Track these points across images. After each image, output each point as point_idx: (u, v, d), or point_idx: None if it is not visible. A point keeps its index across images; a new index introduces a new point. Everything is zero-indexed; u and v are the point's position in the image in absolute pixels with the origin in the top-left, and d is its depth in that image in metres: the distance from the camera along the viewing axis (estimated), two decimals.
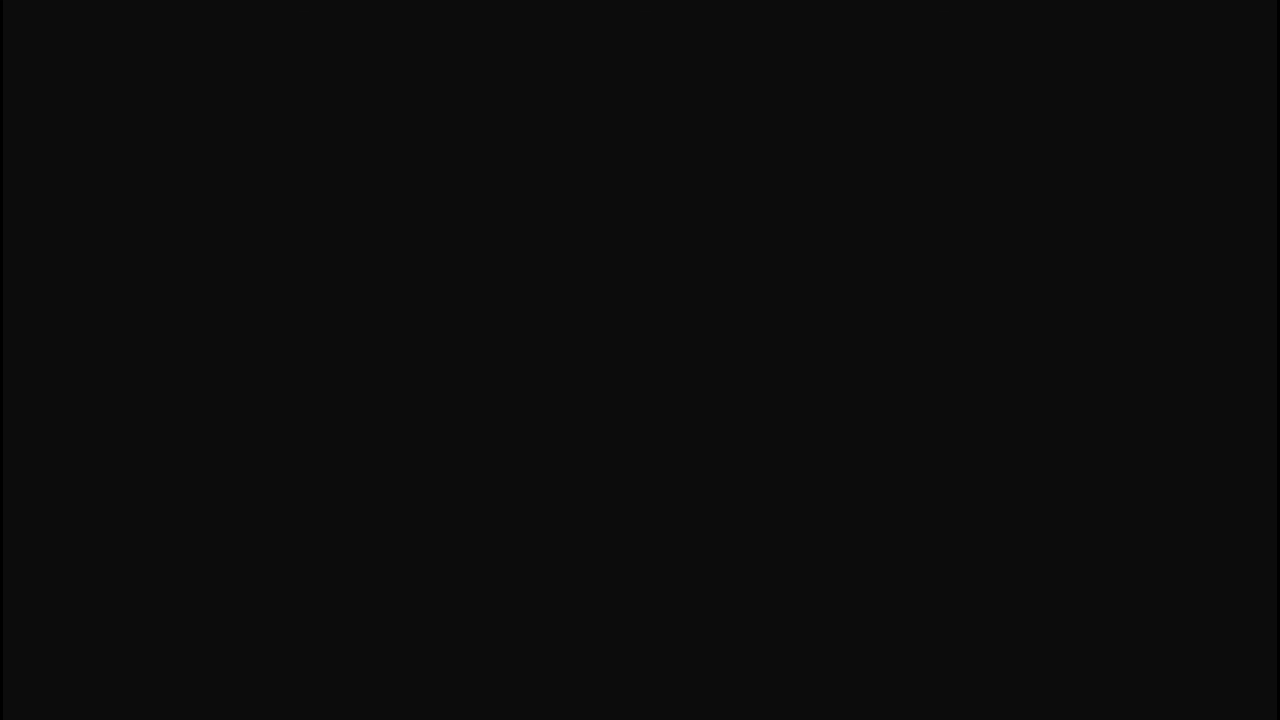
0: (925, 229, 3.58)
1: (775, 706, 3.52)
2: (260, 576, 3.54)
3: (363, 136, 3.60)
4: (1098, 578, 3.52)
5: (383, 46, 3.61)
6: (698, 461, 3.56)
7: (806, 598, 3.53)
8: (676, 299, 3.58)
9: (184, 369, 3.57)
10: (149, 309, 3.58)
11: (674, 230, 3.59)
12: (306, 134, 3.60)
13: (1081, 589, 3.52)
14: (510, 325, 3.58)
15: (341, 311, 3.58)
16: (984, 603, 3.52)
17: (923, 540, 3.53)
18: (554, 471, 3.56)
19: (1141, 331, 3.56)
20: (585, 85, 3.61)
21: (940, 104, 3.58)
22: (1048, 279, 3.57)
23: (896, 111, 3.59)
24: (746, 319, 3.57)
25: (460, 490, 3.56)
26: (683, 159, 3.60)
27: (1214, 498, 3.52)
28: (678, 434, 3.57)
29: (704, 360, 3.57)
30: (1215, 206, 3.56)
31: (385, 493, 3.56)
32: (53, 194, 3.60)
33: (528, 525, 3.56)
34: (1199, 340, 3.55)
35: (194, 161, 3.60)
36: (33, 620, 3.54)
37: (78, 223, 3.59)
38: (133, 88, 3.60)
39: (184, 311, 3.58)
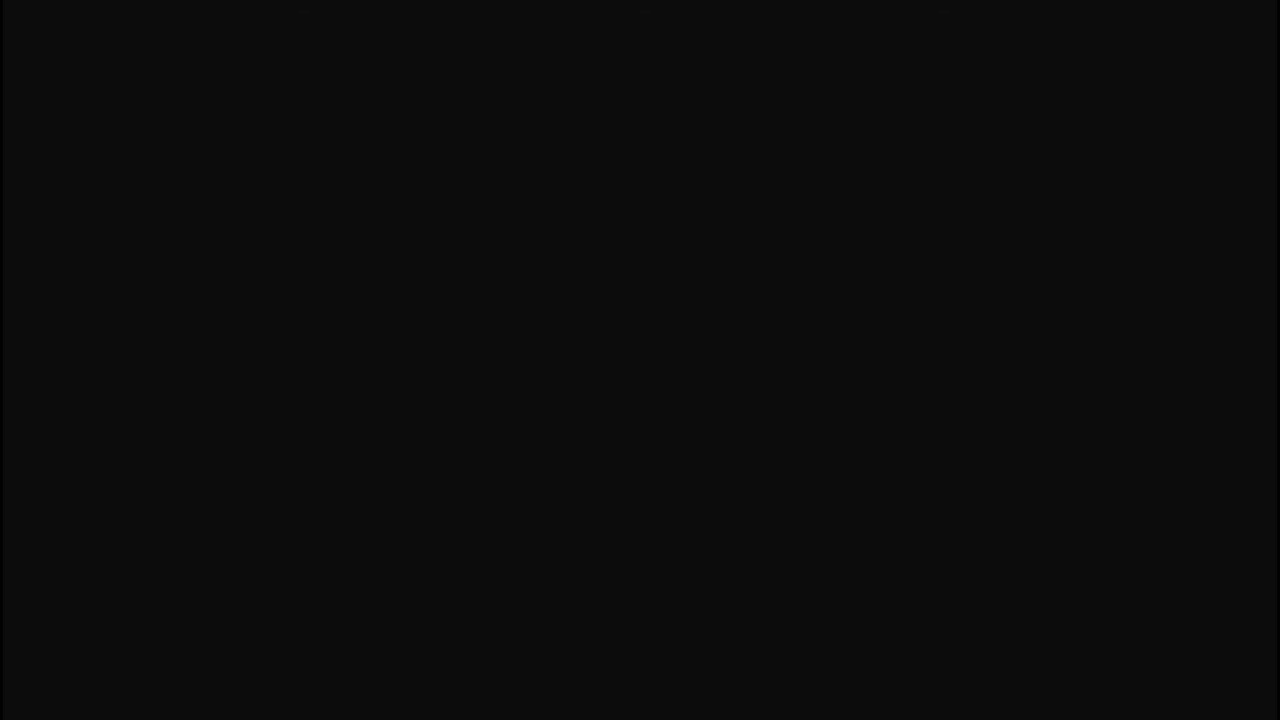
0: (925, 229, 3.58)
1: (775, 706, 3.52)
2: (260, 576, 3.54)
3: (363, 136, 3.60)
4: (1098, 578, 3.52)
5: (383, 46, 3.61)
6: (698, 461, 3.56)
7: (806, 598, 3.53)
8: (677, 299, 3.58)
9: (184, 369, 3.57)
10: (149, 309, 3.58)
11: (674, 230, 3.60)
12: (307, 134, 3.60)
13: (1082, 589, 3.52)
14: (510, 325, 3.58)
15: (342, 312, 3.58)
16: (984, 603, 3.52)
17: (923, 540, 3.53)
18: (554, 471, 3.56)
19: (1141, 331, 3.56)
20: (585, 85, 3.61)
21: (940, 104, 3.59)
22: (1048, 279, 3.57)
23: (897, 111, 3.59)
24: (747, 319, 3.58)
25: (460, 490, 3.56)
26: (683, 159, 3.60)
27: (1214, 498, 3.52)
28: (678, 434, 3.57)
29: (704, 360, 3.57)
30: (1215, 206, 3.57)
31: (385, 493, 3.56)
32: (53, 194, 3.60)
33: (528, 525, 3.56)
34: (1199, 340, 3.55)
35: (194, 161, 3.60)
36: (33, 620, 3.54)
37: (78, 223, 3.59)
38: (133, 88, 3.60)
39: (184, 311, 3.58)
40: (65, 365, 3.57)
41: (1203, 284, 3.56)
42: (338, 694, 3.53)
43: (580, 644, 3.54)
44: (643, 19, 3.59)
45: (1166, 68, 3.58)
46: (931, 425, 3.55)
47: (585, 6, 3.61)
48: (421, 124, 3.61)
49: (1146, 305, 3.56)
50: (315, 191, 3.60)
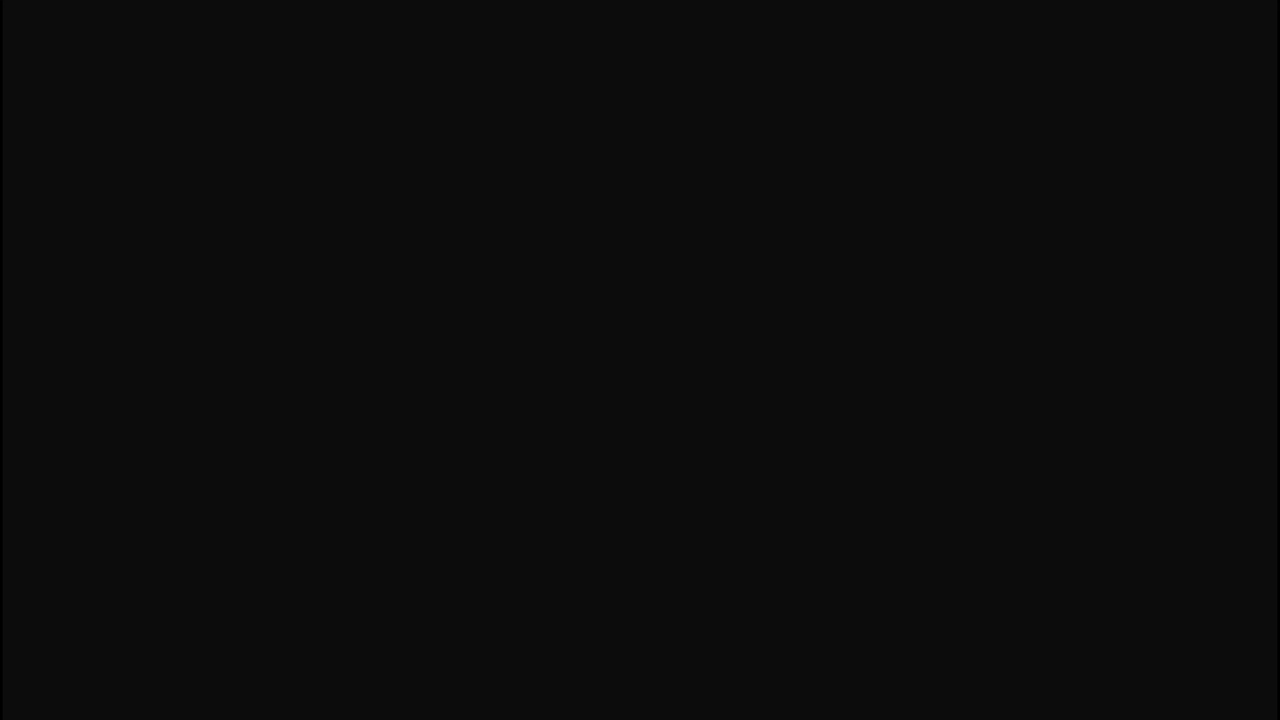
0: (925, 229, 3.58)
1: (775, 706, 3.52)
2: (260, 576, 3.54)
3: (363, 136, 3.60)
4: (1098, 578, 3.52)
5: (383, 46, 3.61)
6: (698, 461, 3.56)
7: (806, 598, 3.53)
8: (677, 299, 3.58)
9: (184, 369, 3.57)
10: (149, 309, 3.58)
11: (674, 230, 3.60)
12: (306, 134, 3.60)
13: (1082, 589, 3.52)
14: (510, 325, 3.58)
15: (342, 311, 3.58)
16: (984, 603, 3.52)
17: (923, 540, 3.53)
18: (554, 471, 3.56)
19: (1142, 331, 3.56)
20: (585, 85, 3.61)
21: (940, 104, 3.58)
22: (1048, 279, 3.57)
23: (897, 111, 3.59)
24: (747, 319, 3.58)
25: (460, 490, 3.56)
26: (683, 159, 3.60)
27: (1214, 498, 3.52)
28: (678, 434, 3.57)
29: (704, 360, 3.57)
30: (1215, 206, 3.57)
31: (385, 493, 3.56)
32: (53, 194, 3.60)
33: (528, 525, 3.56)
34: (1199, 340, 3.55)
35: (194, 161, 3.60)
36: (33, 620, 3.54)
37: (78, 223, 3.59)
38: (133, 88, 3.60)
39: (184, 311, 3.58)
40: (65, 365, 3.57)
41: (1203, 284, 3.56)
42: (338, 694, 3.53)
43: (580, 644, 3.54)
44: (642, 19, 3.59)
45: (1167, 68, 3.58)
46: (932, 425, 3.55)
47: (585, 6, 3.61)
48: (422, 124, 3.61)
49: (1146, 305, 3.56)
50: (315, 191, 3.60)
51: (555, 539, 3.55)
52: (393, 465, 3.56)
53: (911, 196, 3.58)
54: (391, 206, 3.60)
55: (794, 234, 3.59)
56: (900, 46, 3.59)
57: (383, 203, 3.60)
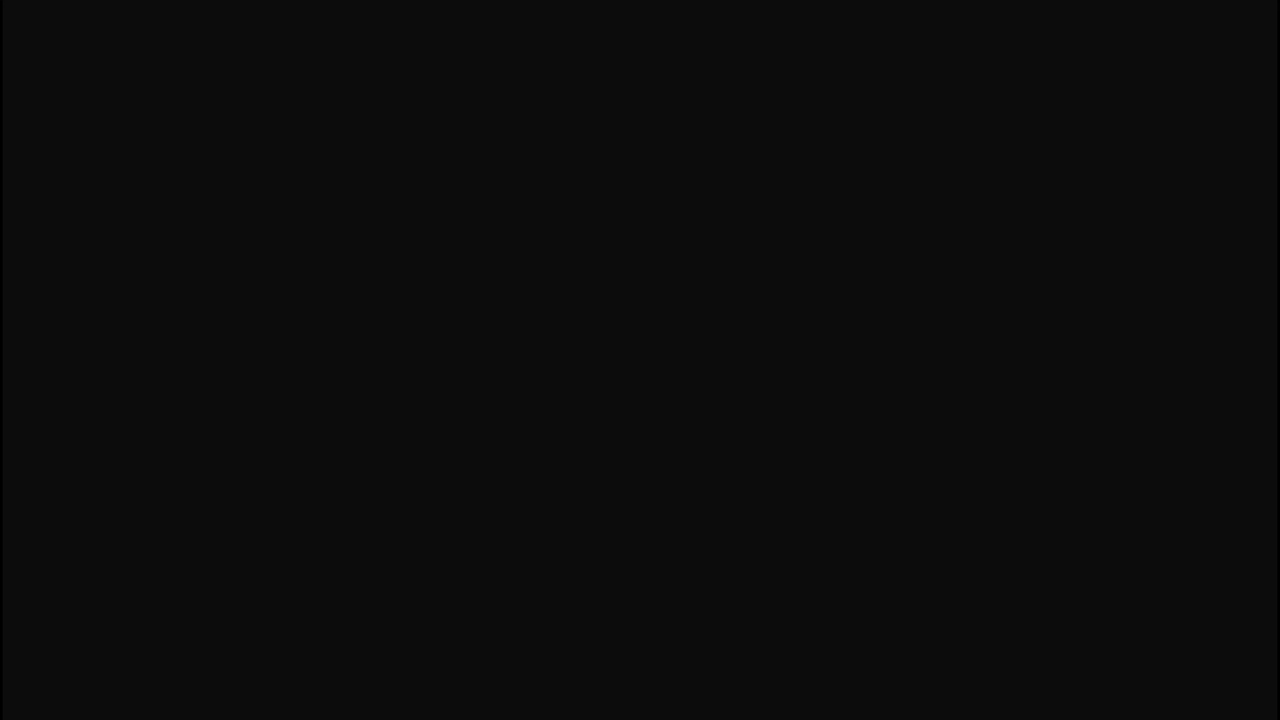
0: (925, 229, 3.58)
1: (775, 706, 3.52)
2: (260, 576, 3.54)
3: (363, 136, 3.60)
4: (1098, 578, 3.52)
5: (383, 46, 3.61)
6: (698, 461, 3.56)
7: (806, 598, 3.53)
8: (677, 299, 3.58)
9: (184, 369, 3.57)
10: (149, 309, 3.58)
11: (674, 230, 3.60)
12: (307, 134, 3.60)
13: (1082, 589, 3.52)
14: (510, 325, 3.58)
15: (342, 311, 3.58)
16: (984, 603, 3.52)
17: (923, 540, 3.53)
18: (554, 471, 3.56)
19: (1142, 331, 3.56)
20: (585, 85, 3.61)
21: (940, 104, 3.59)
22: (1048, 279, 3.57)
23: (897, 111, 3.59)
24: (747, 319, 3.58)
25: (460, 490, 3.56)
26: (683, 159, 3.60)
27: (1214, 498, 3.52)
28: (678, 434, 3.57)
29: (704, 360, 3.57)
30: (1215, 206, 3.57)
31: (385, 493, 3.56)
32: (53, 194, 3.60)
33: (528, 525, 3.56)
34: (1199, 340, 3.55)
35: (194, 161, 3.60)
36: (33, 620, 3.54)
37: (78, 223, 3.59)
38: (133, 88, 3.60)
39: (184, 311, 3.58)
40: (65, 365, 3.57)
41: (1203, 284, 3.56)
42: (338, 694, 3.53)
43: (580, 644, 3.54)
44: (642, 19, 3.59)
45: (1167, 68, 3.58)
46: (931, 425, 3.55)
47: (585, 6, 3.61)
48: (422, 124, 3.61)
49: (1147, 305, 3.56)
50: (315, 191, 3.60)
51: (555, 539, 3.55)
52: (393, 465, 3.56)
53: (912, 197, 3.59)
54: (391, 207, 3.60)
55: (794, 234, 3.59)
56: (900, 46, 3.59)
57: (382, 203, 3.60)
